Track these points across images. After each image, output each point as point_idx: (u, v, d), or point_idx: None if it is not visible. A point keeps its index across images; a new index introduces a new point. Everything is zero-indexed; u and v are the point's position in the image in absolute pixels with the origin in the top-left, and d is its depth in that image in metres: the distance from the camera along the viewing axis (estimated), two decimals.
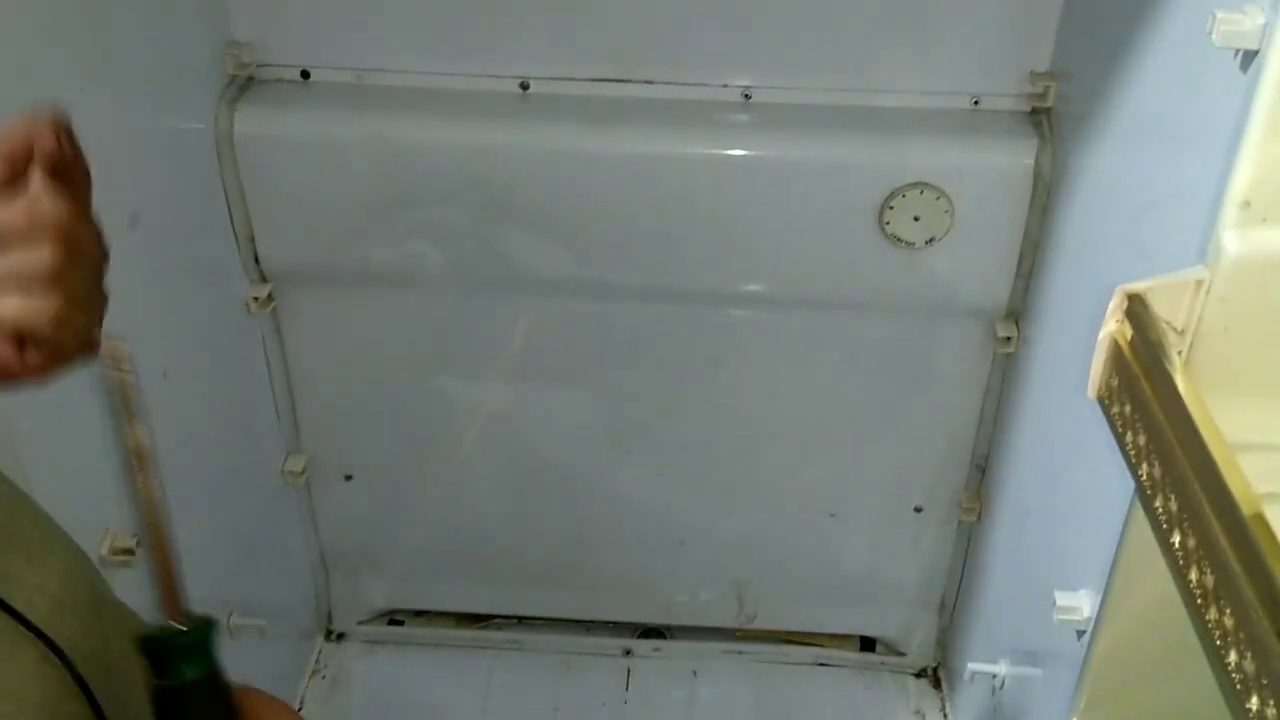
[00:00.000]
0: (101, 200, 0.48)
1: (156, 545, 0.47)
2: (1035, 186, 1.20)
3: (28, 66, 0.91)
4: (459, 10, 1.22)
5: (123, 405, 0.47)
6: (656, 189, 1.25)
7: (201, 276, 1.27)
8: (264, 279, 1.34)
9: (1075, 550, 1.04)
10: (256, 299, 1.33)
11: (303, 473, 1.49)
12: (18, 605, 0.47)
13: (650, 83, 1.25)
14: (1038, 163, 1.19)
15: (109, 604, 0.55)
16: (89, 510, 1.03)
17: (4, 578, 0.47)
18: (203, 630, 0.48)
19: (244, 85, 1.26)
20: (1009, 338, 1.30)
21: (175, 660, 0.47)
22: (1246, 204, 0.71)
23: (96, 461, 1.01)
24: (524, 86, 1.26)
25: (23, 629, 0.47)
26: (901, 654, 1.65)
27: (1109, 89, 1.03)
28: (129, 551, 1.03)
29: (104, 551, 1.02)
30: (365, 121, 1.25)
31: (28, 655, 0.46)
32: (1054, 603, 0.99)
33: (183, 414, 1.19)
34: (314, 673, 1.63)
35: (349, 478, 1.53)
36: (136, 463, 0.47)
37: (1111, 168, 1.05)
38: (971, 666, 1.31)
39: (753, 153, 1.24)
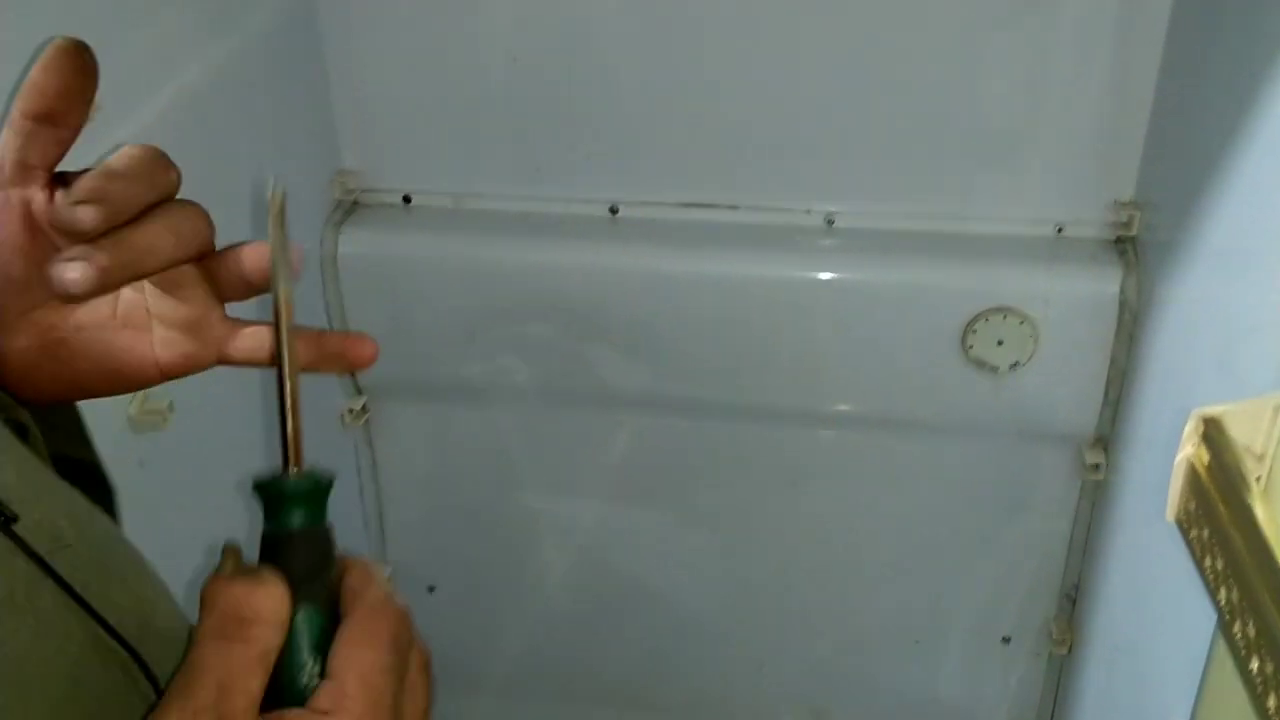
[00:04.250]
0: None
1: (286, 395, 0.47)
2: (1121, 314, 1.20)
3: None
4: (551, 139, 1.28)
5: (280, 257, 0.47)
6: (741, 310, 1.28)
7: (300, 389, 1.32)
8: (359, 391, 1.39)
9: (1166, 680, 1.00)
10: (351, 411, 1.38)
11: (387, 583, 1.51)
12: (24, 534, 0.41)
13: (735, 208, 1.29)
14: (1123, 291, 1.19)
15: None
16: None
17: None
18: (317, 482, 0.46)
19: (349, 209, 1.33)
20: (1097, 465, 1.28)
21: (285, 507, 0.45)
22: None
23: None
24: (613, 210, 1.30)
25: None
26: None
27: (1193, 217, 1.03)
28: (160, 413, 1.00)
29: (133, 412, 0.99)
30: (462, 243, 1.30)
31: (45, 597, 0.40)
32: None
33: None
34: None
35: (431, 589, 1.55)
36: (279, 315, 0.47)
37: (1197, 295, 1.04)
38: None
39: (835, 276, 1.26)
